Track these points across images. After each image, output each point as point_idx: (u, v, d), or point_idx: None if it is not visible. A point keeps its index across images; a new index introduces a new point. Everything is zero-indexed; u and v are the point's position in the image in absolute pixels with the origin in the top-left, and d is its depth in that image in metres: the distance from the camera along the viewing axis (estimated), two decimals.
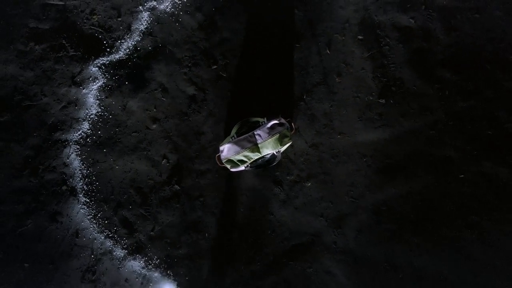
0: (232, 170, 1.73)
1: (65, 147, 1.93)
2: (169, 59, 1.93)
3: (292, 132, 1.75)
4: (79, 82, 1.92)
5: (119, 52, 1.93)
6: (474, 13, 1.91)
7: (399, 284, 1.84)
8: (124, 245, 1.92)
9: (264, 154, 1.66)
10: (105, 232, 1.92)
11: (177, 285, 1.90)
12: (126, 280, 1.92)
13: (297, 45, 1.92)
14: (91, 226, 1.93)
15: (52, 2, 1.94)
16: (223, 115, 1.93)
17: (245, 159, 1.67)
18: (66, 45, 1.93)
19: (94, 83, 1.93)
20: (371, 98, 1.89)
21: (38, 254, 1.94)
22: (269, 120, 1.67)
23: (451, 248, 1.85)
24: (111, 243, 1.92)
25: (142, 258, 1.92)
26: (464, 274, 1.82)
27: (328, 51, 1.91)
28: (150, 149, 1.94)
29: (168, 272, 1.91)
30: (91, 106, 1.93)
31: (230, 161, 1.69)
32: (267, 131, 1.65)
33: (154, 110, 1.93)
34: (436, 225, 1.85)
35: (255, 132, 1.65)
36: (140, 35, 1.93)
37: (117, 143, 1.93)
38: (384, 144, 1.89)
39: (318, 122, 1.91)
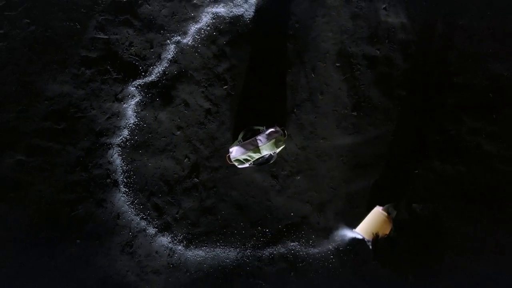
0: (239, 166, 2.29)
1: (109, 149, 2.49)
2: (190, 81, 2.49)
3: (285, 138, 2.31)
4: (120, 98, 2.48)
5: (152, 75, 2.48)
6: (426, 45, 2.47)
7: (365, 253, 2.40)
8: (155, 224, 2.48)
9: (263, 154, 2.22)
10: (140, 214, 2.48)
11: (196, 256, 2.45)
12: (156, 252, 2.47)
13: (289, 70, 2.48)
14: (129, 210, 2.48)
15: (99, 36, 2.49)
16: (232, 124, 2.48)
17: (249, 158, 2.23)
18: (110, 70, 2.49)
19: (132, 99, 2.48)
20: (346, 111, 2.46)
21: (87, 233, 2.48)
22: (267, 128, 2.23)
23: (410, 224, 2.40)
24: (145, 223, 2.48)
25: (169, 235, 2.47)
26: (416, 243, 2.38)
27: (313, 75, 2.47)
28: (175, 151, 2.49)
29: (189, 245, 2.46)
30: (129, 117, 2.49)
31: (237, 160, 2.25)
32: (266, 136, 2.21)
33: (179, 120, 2.49)
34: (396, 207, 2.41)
35: (257, 138, 2.21)
36: (168, 62, 2.49)
37: (150, 146, 2.49)
38: (356, 147, 2.45)
39: (305, 129, 2.47)
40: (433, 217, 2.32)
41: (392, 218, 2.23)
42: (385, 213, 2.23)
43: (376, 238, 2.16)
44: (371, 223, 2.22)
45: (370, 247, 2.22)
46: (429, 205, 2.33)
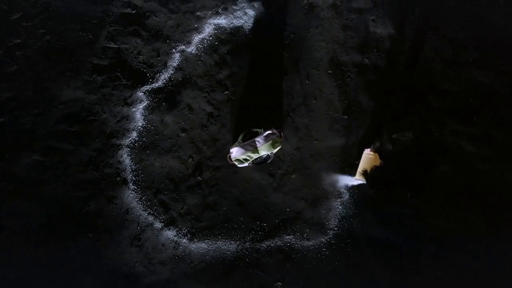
0: (239, 166, 2.50)
1: (119, 149, 2.69)
2: (194, 87, 2.69)
3: (282, 139, 2.51)
4: (129, 103, 2.69)
5: (158, 81, 2.69)
6: (411, 54, 2.67)
7: (355, 245, 2.60)
8: (161, 219, 2.68)
9: (261, 155, 2.42)
10: (148, 210, 2.68)
11: (199, 248, 2.65)
12: (162, 245, 2.67)
13: (285, 76, 2.69)
14: (138, 206, 2.68)
15: (109, 45, 2.70)
16: (232, 127, 2.69)
17: (248, 158, 2.44)
18: (120, 76, 2.69)
19: (140, 104, 2.69)
20: (337, 114, 2.66)
21: (98, 227, 2.69)
22: (265, 131, 2.44)
23: (397, 214, 2.61)
24: (152, 218, 2.68)
25: (174, 229, 2.67)
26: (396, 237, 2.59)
27: (307, 81, 2.68)
28: (180, 151, 2.70)
29: (193, 239, 2.67)
30: (138, 120, 2.69)
31: (237, 159, 2.46)
32: (264, 138, 2.41)
33: (183, 123, 2.70)
34: (383, 202, 2.61)
35: (255, 139, 2.41)
36: (173, 70, 2.69)
37: (157, 146, 2.70)
38: (346, 147, 2.65)
39: (300, 132, 2.68)
40: (414, 141, 2.60)
41: (380, 152, 2.56)
42: (372, 153, 2.54)
43: (371, 174, 2.50)
44: (364, 166, 2.54)
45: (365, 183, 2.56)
46: (408, 133, 2.58)
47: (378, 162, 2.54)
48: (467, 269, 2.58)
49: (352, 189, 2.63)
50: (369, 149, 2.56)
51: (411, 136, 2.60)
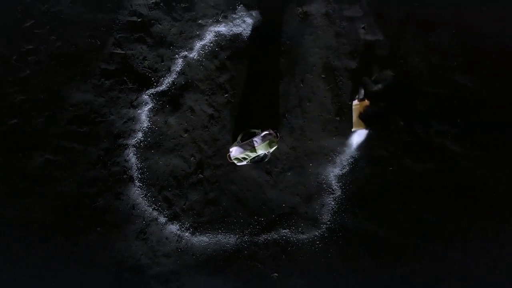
0: (238, 164, 2.68)
1: (125, 149, 2.87)
2: (196, 90, 2.87)
3: (278, 139, 2.69)
4: (135, 105, 2.87)
5: (162, 85, 2.87)
6: (399, 60, 2.85)
7: (347, 238, 2.78)
8: (165, 214, 2.86)
9: (259, 154, 2.60)
10: (152, 206, 2.86)
11: (201, 241, 2.83)
12: (166, 238, 2.85)
13: (281, 80, 2.87)
14: (143, 202, 2.86)
15: (116, 51, 2.88)
16: (232, 128, 2.87)
17: (246, 157, 2.61)
18: (127, 80, 2.87)
19: (146, 106, 2.87)
20: (330, 116, 2.84)
21: (106, 221, 2.86)
22: (262, 131, 2.61)
23: (386, 210, 2.79)
24: (156, 213, 2.86)
25: (177, 223, 2.85)
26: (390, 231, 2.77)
27: (302, 85, 2.86)
28: (182, 150, 2.87)
29: (195, 232, 2.84)
30: (143, 121, 2.87)
31: (236, 158, 2.64)
32: (261, 138, 2.59)
33: (186, 124, 2.87)
34: (373, 199, 2.79)
35: (253, 139, 2.59)
36: (176, 74, 2.87)
37: (161, 146, 2.87)
38: (339, 147, 2.83)
39: (295, 132, 2.86)
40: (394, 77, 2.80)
41: (365, 95, 2.73)
42: (359, 102, 2.74)
43: (366, 119, 2.69)
44: (357, 116, 2.74)
45: (367, 130, 2.75)
46: (387, 71, 2.78)
47: (367, 104, 2.71)
48: (453, 262, 2.75)
49: (344, 181, 2.81)
50: (355, 101, 2.75)
51: (391, 73, 2.79)
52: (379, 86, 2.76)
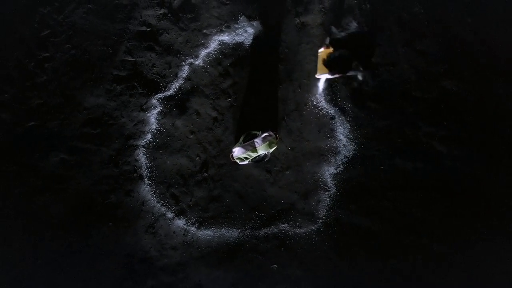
0: (240, 163, 2.89)
1: (136, 149, 3.09)
2: (201, 95, 3.09)
3: (277, 140, 2.90)
4: (145, 109, 3.08)
5: (170, 90, 3.09)
6: (390, 66, 3.07)
7: (341, 232, 2.99)
8: (173, 210, 3.08)
9: (260, 154, 2.81)
10: (161, 202, 3.08)
11: (206, 235, 3.05)
12: (174, 232, 3.07)
13: (280, 86, 3.08)
14: (152, 198, 3.08)
15: (127, 59, 3.10)
16: (234, 129, 3.09)
17: (248, 156, 2.83)
18: (137, 86, 3.09)
19: (154, 110, 3.09)
20: (325, 119, 3.06)
21: (117, 217, 3.08)
22: (263, 133, 2.82)
23: (377, 206, 3.00)
24: (165, 209, 3.08)
25: (184, 218, 3.07)
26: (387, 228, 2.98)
27: (299, 90, 3.08)
28: (188, 151, 3.09)
29: (200, 227, 3.06)
30: (152, 123, 3.09)
31: (239, 158, 2.85)
32: (262, 139, 2.80)
33: (192, 126, 3.09)
34: (365, 196, 3.00)
35: (255, 140, 2.80)
36: (183, 80, 3.09)
37: (168, 147, 3.09)
38: (334, 147, 3.05)
39: (293, 134, 3.07)
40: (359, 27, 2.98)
41: (329, 42, 2.91)
42: (323, 49, 2.89)
43: (329, 64, 2.85)
44: (321, 62, 2.88)
45: (330, 76, 2.89)
46: (352, 22, 2.97)
47: (331, 51, 2.87)
48: (438, 253, 2.97)
49: (338, 179, 3.03)
50: (321, 49, 2.92)
51: (355, 23, 3.01)
52: (343, 33, 2.98)
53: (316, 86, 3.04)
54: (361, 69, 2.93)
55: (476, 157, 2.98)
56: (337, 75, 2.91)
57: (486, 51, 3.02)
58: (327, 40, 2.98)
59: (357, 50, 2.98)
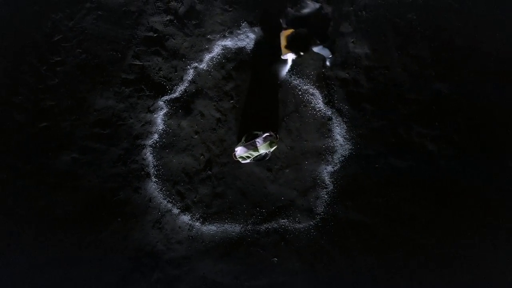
0: (242, 162, 3.06)
1: (143, 148, 3.26)
2: (205, 97, 3.26)
3: (277, 140, 3.06)
4: (152, 110, 3.25)
5: (176, 92, 3.25)
6: (384, 70, 3.23)
7: (338, 227, 3.16)
8: (178, 206, 3.24)
9: (261, 153, 2.97)
10: (167, 199, 3.24)
11: (210, 230, 3.21)
12: (179, 227, 3.23)
13: (280, 88, 3.25)
14: (159, 195, 3.24)
15: (135, 63, 3.26)
16: (237, 130, 3.25)
17: (250, 155, 2.99)
18: (144, 88, 3.26)
19: (161, 111, 3.25)
20: (323, 120, 3.22)
21: (126, 213, 3.24)
22: (264, 133, 2.98)
23: (372, 202, 3.17)
24: (171, 205, 3.24)
25: (189, 214, 3.23)
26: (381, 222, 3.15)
27: (298, 92, 3.24)
28: (193, 150, 3.26)
29: (204, 222, 3.23)
30: (159, 124, 3.25)
31: (241, 157, 3.01)
32: (263, 139, 2.96)
33: (196, 126, 3.26)
34: (361, 193, 3.17)
35: (256, 140, 2.96)
36: (188, 83, 3.26)
37: (174, 146, 3.26)
38: (331, 147, 3.21)
39: (293, 134, 3.24)
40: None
41: (287, 24, 3.05)
42: (284, 30, 3.03)
43: (292, 45, 2.99)
44: (284, 42, 3.01)
45: (294, 55, 3.04)
46: (312, 4, 3.13)
47: (289, 33, 3.00)
48: (429, 247, 3.13)
49: (334, 178, 3.19)
50: (283, 30, 3.06)
51: (313, 4, 3.17)
52: (298, 13, 3.13)
53: (283, 67, 3.18)
54: (318, 42, 3.04)
55: (466, 156, 3.14)
56: (301, 53, 3.06)
57: (475, 55, 3.18)
58: (284, 22, 3.11)
59: (314, 27, 3.14)
